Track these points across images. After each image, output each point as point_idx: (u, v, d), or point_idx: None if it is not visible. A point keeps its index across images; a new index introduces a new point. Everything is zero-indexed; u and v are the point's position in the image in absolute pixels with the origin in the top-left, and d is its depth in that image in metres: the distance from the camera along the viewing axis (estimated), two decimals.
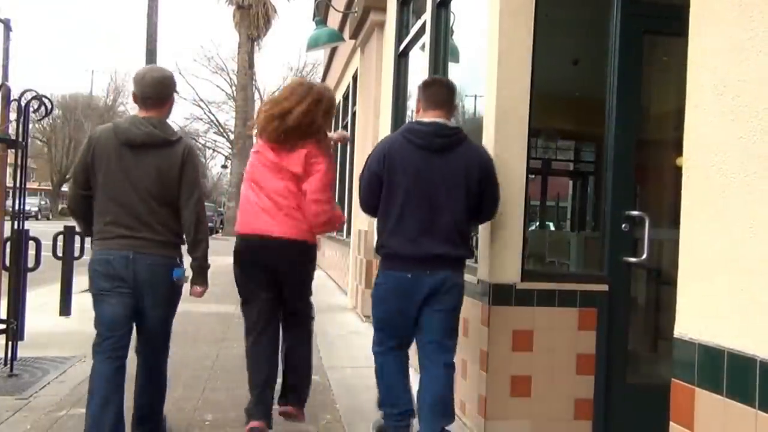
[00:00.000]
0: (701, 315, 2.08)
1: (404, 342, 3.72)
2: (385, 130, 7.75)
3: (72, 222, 5.04)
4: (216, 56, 47.91)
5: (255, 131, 3.97)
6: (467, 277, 3.83)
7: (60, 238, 7.72)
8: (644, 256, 3.90)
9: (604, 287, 3.96)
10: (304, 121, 3.75)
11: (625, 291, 4.04)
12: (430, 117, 3.63)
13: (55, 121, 51.83)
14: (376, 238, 3.99)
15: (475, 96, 5.25)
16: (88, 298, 3.58)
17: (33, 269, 5.82)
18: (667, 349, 4.52)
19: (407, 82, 7.28)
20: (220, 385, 5.00)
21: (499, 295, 3.87)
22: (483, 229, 4.02)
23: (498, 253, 3.89)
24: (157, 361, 3.70)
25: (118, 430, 3.36)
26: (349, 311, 9.13)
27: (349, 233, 10.35)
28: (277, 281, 3.86)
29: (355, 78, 11.09)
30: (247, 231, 3.84)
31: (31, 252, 5.80)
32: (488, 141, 3.99)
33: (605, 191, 4.05)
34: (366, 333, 6.35)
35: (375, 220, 3.96)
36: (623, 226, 3.96)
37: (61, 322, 7.25)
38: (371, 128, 8.45)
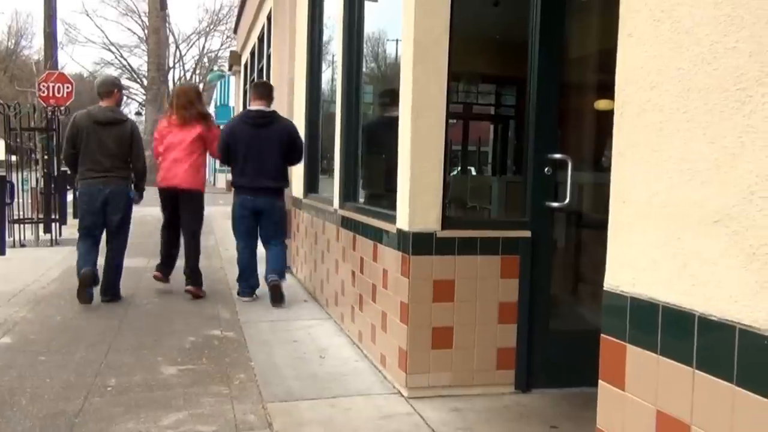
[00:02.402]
0: (634, 265, 1.90)
1: (254, 240, 6.29)
2: (300, 73, 7.39)
3: None
4: None
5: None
6: (386, 226, 4.10)
7: None
8: (567, 201, 3.79)
9: (527, 233, 3.83)
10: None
11: (547, 237, 3.93)
12: (256, 105, 6.16)
13: None
14: (231, 178, 6.46)
15: (397, 41, 4.99)
16: None
17: None
18: (589, 294, 4.47)
19: (323, 22, 6.90)
20: (126, 346, 4.69)
21: (419, 244, 3.70)
22: (402, 176, 3.81)
23: (417, 200, 3.69)
24: (118, 250, 6.09)
25: (93, 273, 5.99)
26: None
27: None
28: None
29: (269, 18, 10.56)
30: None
31: None
32: (405, 82, 3.74)
33: (527, 135, 3.89)
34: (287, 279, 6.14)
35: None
36: (546, 169, 3.82)
37: None
38: (287, 71, 8.06)
